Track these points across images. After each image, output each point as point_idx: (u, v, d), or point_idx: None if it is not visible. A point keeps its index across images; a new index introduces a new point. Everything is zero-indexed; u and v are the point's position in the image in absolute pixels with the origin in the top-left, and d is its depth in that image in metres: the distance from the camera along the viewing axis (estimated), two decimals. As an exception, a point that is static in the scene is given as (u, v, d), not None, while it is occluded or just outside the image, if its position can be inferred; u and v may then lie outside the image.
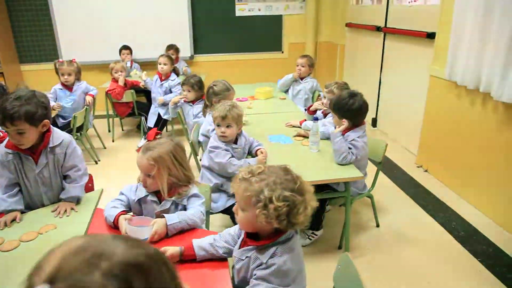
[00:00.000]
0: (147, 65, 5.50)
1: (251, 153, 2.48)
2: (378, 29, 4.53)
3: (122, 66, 4.42)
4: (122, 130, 5.16)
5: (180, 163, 1.71)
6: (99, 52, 5.60)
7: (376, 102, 4.81)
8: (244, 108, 3.49)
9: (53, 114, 3.84)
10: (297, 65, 3.98)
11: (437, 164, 3.54)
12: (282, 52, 6.03)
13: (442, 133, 3.41)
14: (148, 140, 1.82)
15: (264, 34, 5.90)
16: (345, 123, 2.38)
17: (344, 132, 2.43)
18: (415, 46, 3.90)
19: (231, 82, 5.97)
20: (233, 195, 2.43)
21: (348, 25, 5.40)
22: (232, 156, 2.31)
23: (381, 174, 3.63)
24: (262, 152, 2.37)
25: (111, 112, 4.70)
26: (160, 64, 4.40)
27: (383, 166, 3.78)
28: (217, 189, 2.36)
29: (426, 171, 3.67)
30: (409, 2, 4.01)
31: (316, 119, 2.46)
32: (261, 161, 2.28)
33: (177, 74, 4.61)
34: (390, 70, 4.49)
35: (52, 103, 3.86)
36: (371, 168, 2.67)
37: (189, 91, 3.54)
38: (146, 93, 4.97)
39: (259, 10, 5.74)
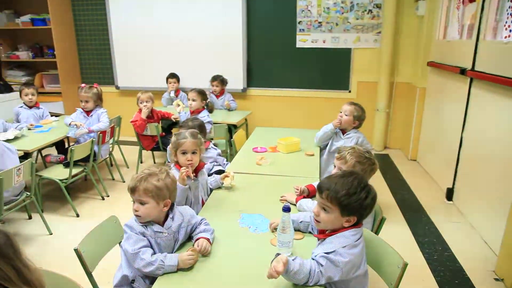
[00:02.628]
0: (196, 95, 5.11)
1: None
2: (462, 71, 3.38)
3: (149, 96, 4.06)
4: (154, 162, 4.80)
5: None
6: (150, 78, 5.42)
7: (454, 166, 3.58)
8: (252, 165, 2.79)
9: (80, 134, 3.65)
10: (340, 112, 3.10)
11: (525, 284, 2.29)
12: (349, 91, 5.11)
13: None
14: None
15: (328, 70, 5.08)
16: (348, 223, 1.50)
17: (325, 235, 1.53)
18: None
19: (283, 121, 5.39)
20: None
21: (430, 64, 4.27)
22: (149, 245, 1.60)
23: (432, 283, 2.51)
24: (198, 246, 1.60)
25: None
26: (189, 100, 3.93)
27: (443, 271, 2.63)
28: (128, 284, 1.65)
29: (507, 289, 2.42)
30: (505, 37, 2.84)
31: (287, 209, 1.60)
32: (185, 262, 1.52)
33: (211, 110, 4.07)
34: (475, 127, 3.28)
35: (68, 120, 3.76)
36: None
37: None
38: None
39: (324, 42, 4.96)
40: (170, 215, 1.67)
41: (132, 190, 1.59)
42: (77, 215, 3.37)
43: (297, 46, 5.04)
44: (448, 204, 3.64)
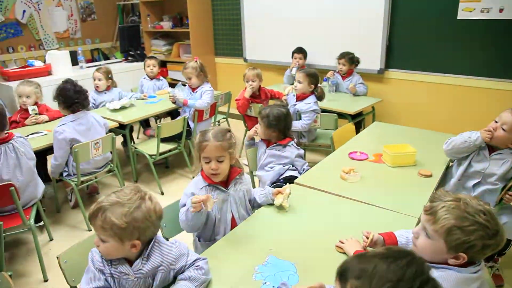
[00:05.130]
0: (322, 72, 4.46)
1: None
2: None
3: (256, 74, 3.61)
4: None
5: None
6: (277, 52, 4.98)
7: None
8: (333, 177, 2.07)
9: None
10: (495, 121, 2.05)
11: None
12: (532, 83, 3.61)
13: None
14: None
15: (502, 50, 3.66)
16: None
17: None
18: None
19: (421, 116, 4.26)
20: None
21: None
22: (108, 287, 1.20)
23: None
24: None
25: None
26: (296, 81, 3.35)
27: None
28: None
29: None
30: None
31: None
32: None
33: (320, 98, 3.37)
34: None
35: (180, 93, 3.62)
36: None
37: (260, 124, 2.39)
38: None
39: (500, 11, 3.54)
40: (144, 255, 1.22)
41: (89, 220, 1.20)
42: (162, 193, 3.28)
43: (459, 17, 3.75)
44: None
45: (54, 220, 2.94)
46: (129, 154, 3.45)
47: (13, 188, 2.11)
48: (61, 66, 4.32)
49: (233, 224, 1.70)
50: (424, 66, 4.10)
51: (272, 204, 1.80)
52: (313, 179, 2.07)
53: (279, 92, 3.90)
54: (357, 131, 3.57)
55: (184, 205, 1.63)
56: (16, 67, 4.55)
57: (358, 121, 3.84)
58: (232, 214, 1.70)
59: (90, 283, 1.19)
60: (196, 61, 3.57)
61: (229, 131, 1.70)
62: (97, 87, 3.76)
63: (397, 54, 4.22)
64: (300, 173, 2.30)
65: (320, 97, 3.30)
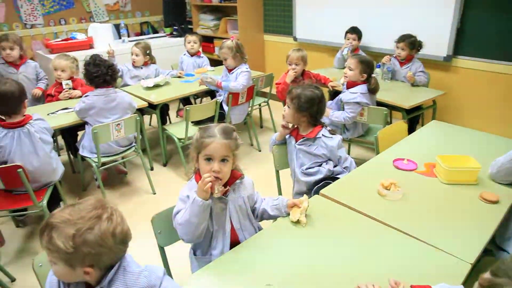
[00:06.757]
0: (379, 56, 3.96)
1: None
2: None
3: (300, 57, 3.22)
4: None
5: None
6: (329, 32, 4.51)
7: None
8: (369, 191, 1.70)
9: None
10: None
11: None
12: None
13: None
14: None
15: None
16: None
17: None
18: None
19: (502, 120, 3.59)
20: None
21: None
22: None
23: None
24: None
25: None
26: (346, 67, 2.95)
27: None
28: None
29: None
30: None
31: None
32: None
33: (373, 90, 2.93)
34: None
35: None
36: None
37: (288, 107, 2.07)
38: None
39: None
40: (103, 283, 1.01)
41: (39, 236, 1.01)
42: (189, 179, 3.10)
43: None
44: None
45: (79, 198, 2.88)
46: (160, 135, 3.29)
47: (21, 169, 2.01)
48: (103, 40, 4.24)
49: (233, 236, 1.46)
50: (505, 54, 3.42)
51: (285, 217, 1.52)
52: (343, 191, 1.72)
53: (325, 77, 3.50)
54: (413, 129, 3.12)
55: (179, 212, 1.42)
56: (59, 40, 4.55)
57: (415, 116, 3.35)
58: (232, 225, 1.45)
59: None
60: (232, 41, 3.27)
61: (235, 130, 1.44)
62: (134, 62, 3.64)
63: (470, 38, 3.57)
64: (345, 169, 2.04)
65: (373, 90, 2.86)
